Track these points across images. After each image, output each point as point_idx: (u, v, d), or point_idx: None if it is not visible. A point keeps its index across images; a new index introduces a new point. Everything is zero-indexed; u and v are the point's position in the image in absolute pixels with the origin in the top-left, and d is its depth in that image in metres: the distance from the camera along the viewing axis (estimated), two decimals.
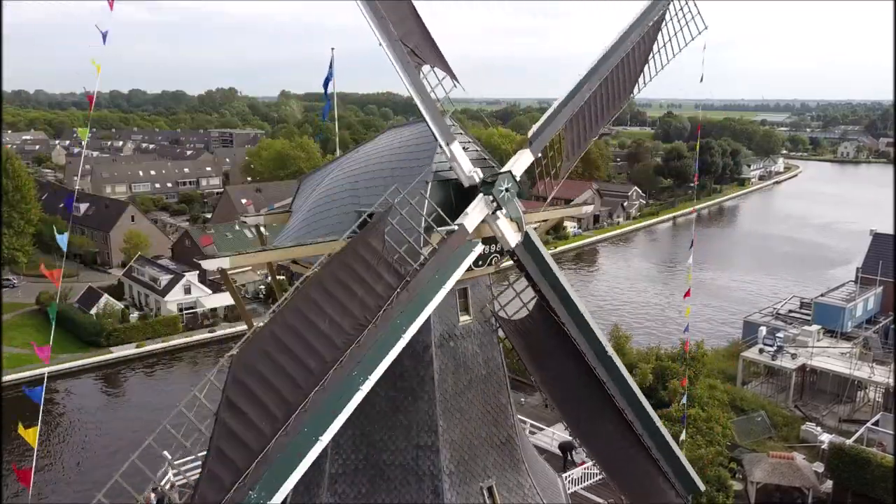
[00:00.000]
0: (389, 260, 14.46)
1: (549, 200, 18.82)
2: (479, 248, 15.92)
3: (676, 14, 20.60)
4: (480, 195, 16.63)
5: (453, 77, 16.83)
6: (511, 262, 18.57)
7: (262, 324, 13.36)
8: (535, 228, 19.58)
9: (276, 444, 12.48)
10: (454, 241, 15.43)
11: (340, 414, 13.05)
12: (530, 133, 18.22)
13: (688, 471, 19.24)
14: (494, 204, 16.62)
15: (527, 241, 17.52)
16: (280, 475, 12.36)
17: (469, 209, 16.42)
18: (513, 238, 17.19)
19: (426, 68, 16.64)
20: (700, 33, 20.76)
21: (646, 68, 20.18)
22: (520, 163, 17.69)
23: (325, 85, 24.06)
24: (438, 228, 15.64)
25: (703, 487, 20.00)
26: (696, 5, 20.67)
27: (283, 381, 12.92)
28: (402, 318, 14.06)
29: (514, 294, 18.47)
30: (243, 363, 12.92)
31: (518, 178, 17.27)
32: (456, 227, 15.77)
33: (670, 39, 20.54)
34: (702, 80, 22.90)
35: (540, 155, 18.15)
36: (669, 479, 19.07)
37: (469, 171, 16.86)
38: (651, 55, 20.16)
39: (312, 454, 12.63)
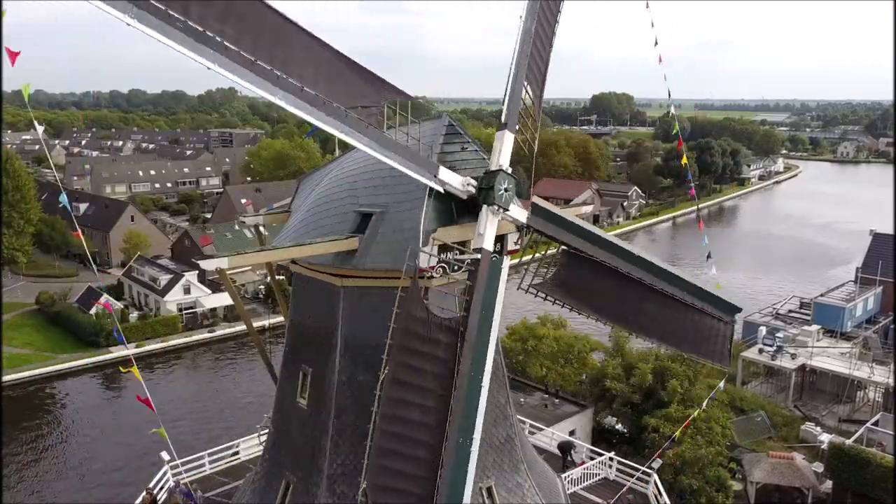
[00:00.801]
0: (439, 321, 14.99)
1: (534, 163, 18.47)
2: (507, 262, 16.54)
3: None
4: (486, 210, 16.58)
5: (406, 95, 16.65)
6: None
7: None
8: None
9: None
10: (483, 268, 15.99)
11: (468, 479, 14.33)
12: (502, 117, 17.64)
13: (723, 300, 21.54)
14: (500, 210, 16.60)
15: (535, 209, 17.95)
16: None
17: (481, 228, 16.57)
18: (523, 215, 17.53)
19: (528, 85, 17.40)
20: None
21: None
22: (505, 149, 17.16)
23: None
24: (461, 258, 16.46)
25: (741, 307, 22.77)
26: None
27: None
28: (475, 369, 14.96)
29: (537, 265, 18.94)
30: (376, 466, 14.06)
31: (510, 171, 17.00)
32: (479, 256, 16.13)
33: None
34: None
35: (518, 127, 17.77)
36: (714, 314, 21.26)
37: (463, 186, 16.88)
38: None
39: None
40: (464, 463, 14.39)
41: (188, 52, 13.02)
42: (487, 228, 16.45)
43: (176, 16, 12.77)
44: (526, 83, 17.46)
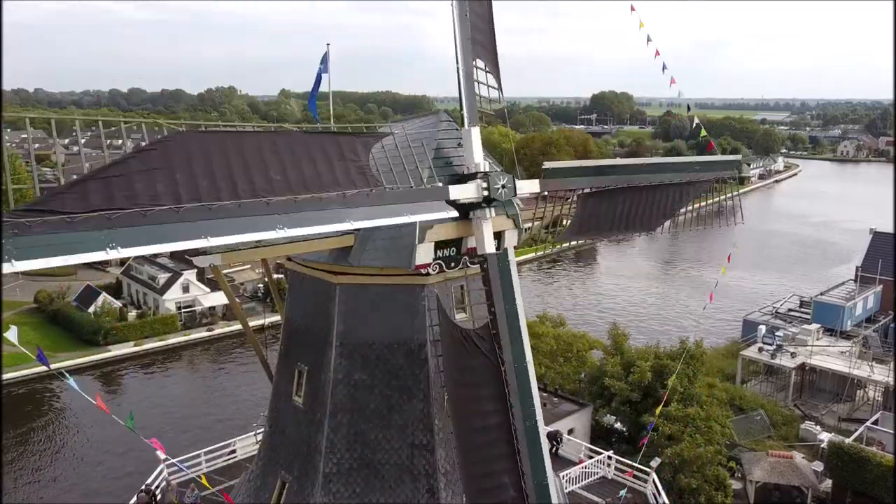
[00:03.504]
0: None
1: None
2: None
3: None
4: (478, 216, 16.76)
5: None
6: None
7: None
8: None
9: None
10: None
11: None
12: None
13: (720, 160, 22.30)
14: (486, 192, 16.55)
15: (547, 173, 18.07)
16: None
17: (478, 234, 16.81)
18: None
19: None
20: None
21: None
22: (474, 146, 17.00)
23: (318, 81, 23.78)
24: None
25: (738, 158, 23.59)
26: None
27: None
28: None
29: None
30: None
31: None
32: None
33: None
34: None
35: (546, 194, 18.48)
36: (717, 176, 22.09)
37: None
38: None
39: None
40: (536, 442, 16.16)
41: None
42: (484, 234, 16.79)
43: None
44: (479, 78, 17.26)
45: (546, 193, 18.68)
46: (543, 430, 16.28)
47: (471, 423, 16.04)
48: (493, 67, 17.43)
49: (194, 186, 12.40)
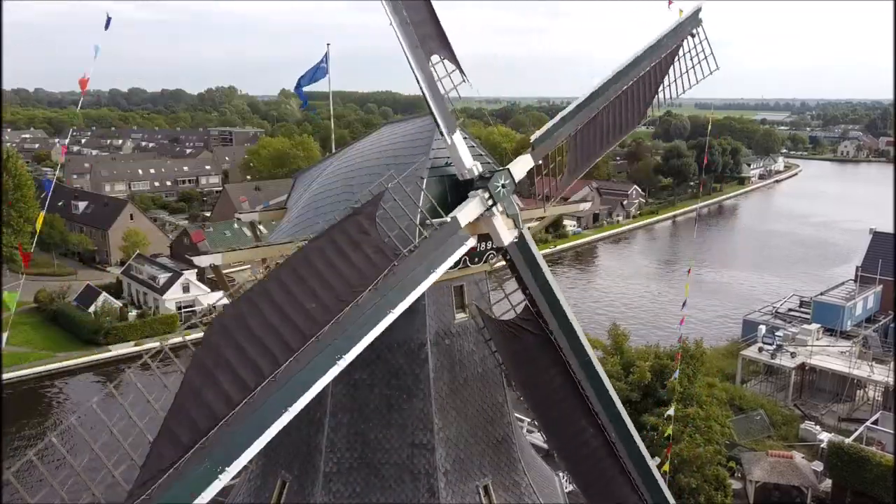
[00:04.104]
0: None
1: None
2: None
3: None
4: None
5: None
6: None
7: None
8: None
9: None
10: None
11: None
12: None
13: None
14: (490, 200, 16.46)
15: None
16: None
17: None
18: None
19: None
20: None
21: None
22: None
23: (312, 76, 23.71)
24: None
25: None
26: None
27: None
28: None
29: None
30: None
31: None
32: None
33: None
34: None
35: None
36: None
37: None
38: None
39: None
40: (596, 377, 17.07)
41: None
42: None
43: None
44: (439, 73, 16.38)
45: (546, 191, 18.58)
46: (602, 371, 16.91)
47: (543, 394, 17.29)
48: (448, 54, 16.43)
49: (247, 365, 12.73)
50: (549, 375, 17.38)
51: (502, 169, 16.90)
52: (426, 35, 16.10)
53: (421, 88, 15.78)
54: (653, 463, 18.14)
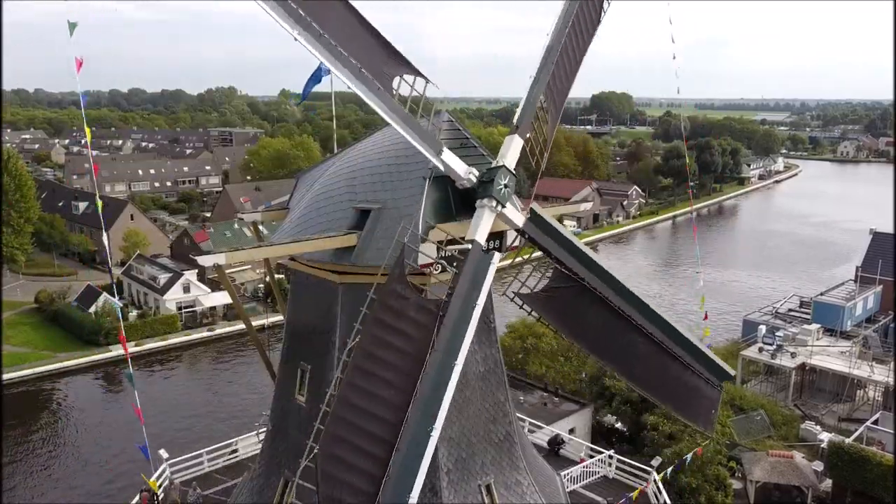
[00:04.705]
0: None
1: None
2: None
3: None
4: (484, 200, 16.39)
5: (422, 76, 16.46)
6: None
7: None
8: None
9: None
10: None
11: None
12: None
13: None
14: (498, 206, 16.50)
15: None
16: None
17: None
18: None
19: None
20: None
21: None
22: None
23: (317, 76, 23.75)
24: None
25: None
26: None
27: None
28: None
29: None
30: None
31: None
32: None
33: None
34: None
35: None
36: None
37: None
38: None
39: None
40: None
41: None
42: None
43: None
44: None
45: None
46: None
47: (594, 334, 17.89)
48: (399, 64, 16.41)
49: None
50: (592, 315, 18.66)
51: (499, 167, 16.71)
52: (376, 61, 15.93)
53: (396, 128, 16.04)
54: (695, 338, 19.87)
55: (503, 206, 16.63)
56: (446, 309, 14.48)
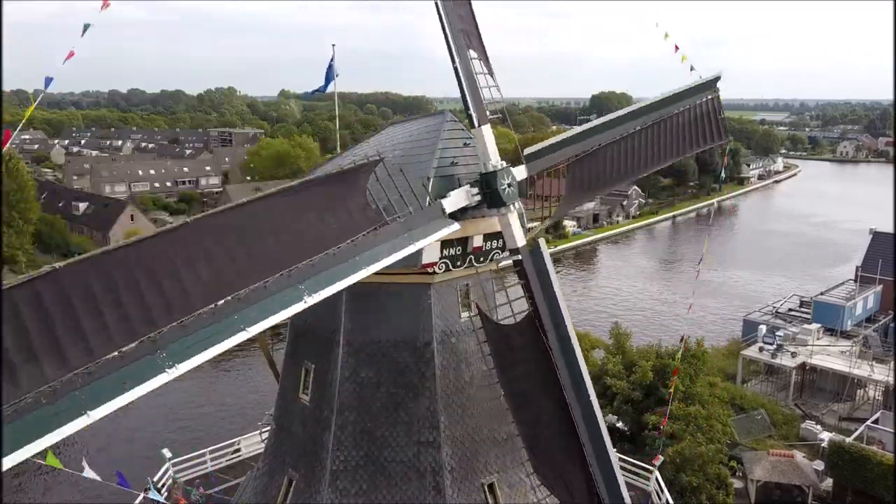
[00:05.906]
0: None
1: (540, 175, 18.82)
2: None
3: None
4: (504, 213, 16.59)
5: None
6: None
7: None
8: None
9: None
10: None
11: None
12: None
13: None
14: (479, 197, 16.49)
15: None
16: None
17: (506, 231, 16.80)
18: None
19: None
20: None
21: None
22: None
23: (327, 77, 23.95)
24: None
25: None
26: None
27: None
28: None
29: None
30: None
31: (503, 166, 17.04)
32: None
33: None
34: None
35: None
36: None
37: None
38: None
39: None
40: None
41: None
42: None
43: None
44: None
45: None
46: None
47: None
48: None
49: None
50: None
51: (495, 171, 16.67)
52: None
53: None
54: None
55: (515, 206, 16.69)
56: (538, 314, 16.39)
